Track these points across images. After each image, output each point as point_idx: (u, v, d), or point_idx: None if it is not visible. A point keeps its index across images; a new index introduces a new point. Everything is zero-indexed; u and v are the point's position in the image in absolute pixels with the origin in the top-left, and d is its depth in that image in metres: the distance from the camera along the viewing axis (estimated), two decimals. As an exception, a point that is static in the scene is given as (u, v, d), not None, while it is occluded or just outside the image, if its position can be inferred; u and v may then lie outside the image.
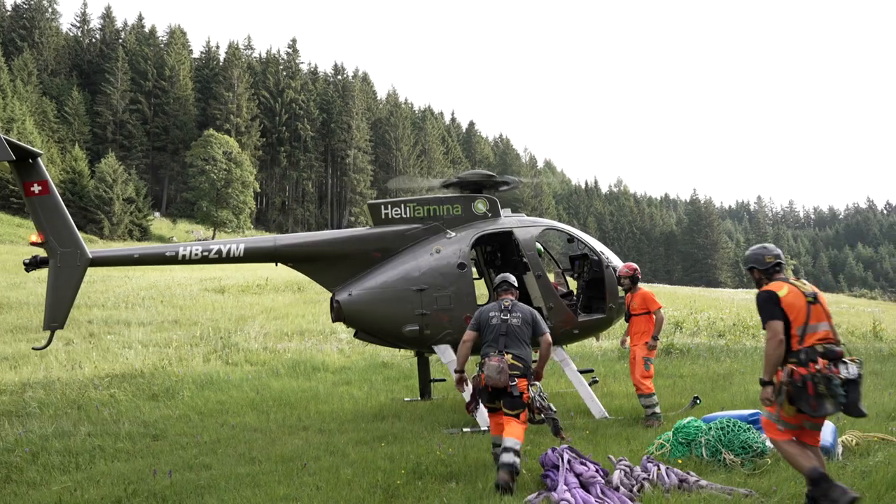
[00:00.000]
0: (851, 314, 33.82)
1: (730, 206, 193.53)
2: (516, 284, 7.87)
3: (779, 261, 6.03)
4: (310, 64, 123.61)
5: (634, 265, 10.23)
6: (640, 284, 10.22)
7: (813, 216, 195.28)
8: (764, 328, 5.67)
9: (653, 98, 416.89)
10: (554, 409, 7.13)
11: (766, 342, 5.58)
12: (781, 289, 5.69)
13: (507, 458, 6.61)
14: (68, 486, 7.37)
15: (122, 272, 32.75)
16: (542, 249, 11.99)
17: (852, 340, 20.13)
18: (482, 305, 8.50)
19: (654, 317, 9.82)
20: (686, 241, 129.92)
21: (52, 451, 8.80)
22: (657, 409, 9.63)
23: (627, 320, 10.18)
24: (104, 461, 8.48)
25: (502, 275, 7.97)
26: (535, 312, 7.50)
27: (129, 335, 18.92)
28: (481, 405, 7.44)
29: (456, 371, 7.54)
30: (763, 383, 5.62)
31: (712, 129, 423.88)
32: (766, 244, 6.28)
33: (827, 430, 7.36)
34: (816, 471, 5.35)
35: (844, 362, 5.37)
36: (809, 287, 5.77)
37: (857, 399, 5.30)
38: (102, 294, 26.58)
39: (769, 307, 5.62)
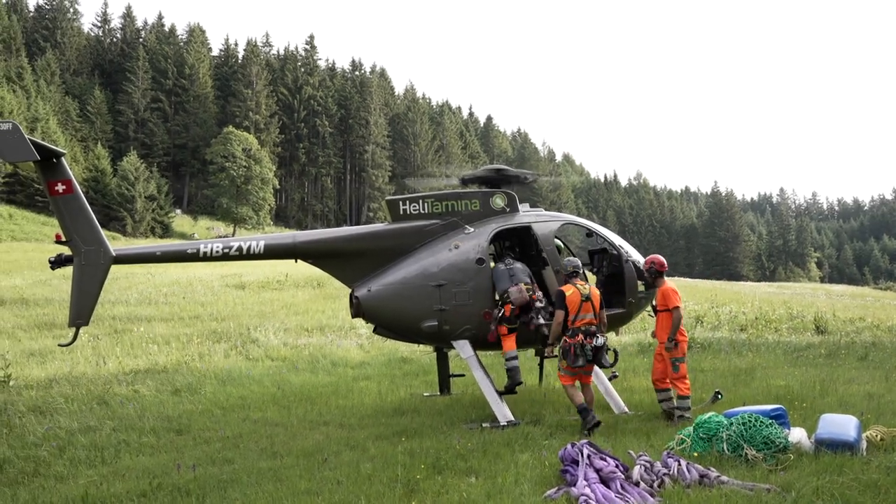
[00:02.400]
0: (877, 307, 33.27)
1: (752, 199, 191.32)
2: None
3: (575, 269, 9.33)
4: (327, 60, 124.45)
5: (654, 258, 9.96)
6: (666, 279, 9.89)
7: (837, 208, 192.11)
8: (555, 313, 9.12)
9: (673, 90, 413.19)
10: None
11: (553, 322, 9.14)
12: (569, 290, 9.06)
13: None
14: (94, 480, 7.51)
15: (145, 269, 33.15)
16: (562, 244, 11.95)
17: (878, 335, 19.81)
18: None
19: (672, 315, 9.46)
20: (707, 235, 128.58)
21: (79, 445, 8.98)
22: (687, 414, 9.31)
23: (655, 314, 9.97)
24: (129, 455, 8.62)
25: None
26: None
27: (152, 331, 19.18)
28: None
29: None
30: (549, 345, 9.41)
31: (733, 120, 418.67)
32: (570, 258, 9.68)
33: (851, 426, 7.32)
34: (582, 405, 8.95)
35: (597, 336, 8.90)
36: (587, 289, 9.08)
37: (601, 357, 8.98)
38: (126, 291, 26.95)
39: (559, 301, 9.06)
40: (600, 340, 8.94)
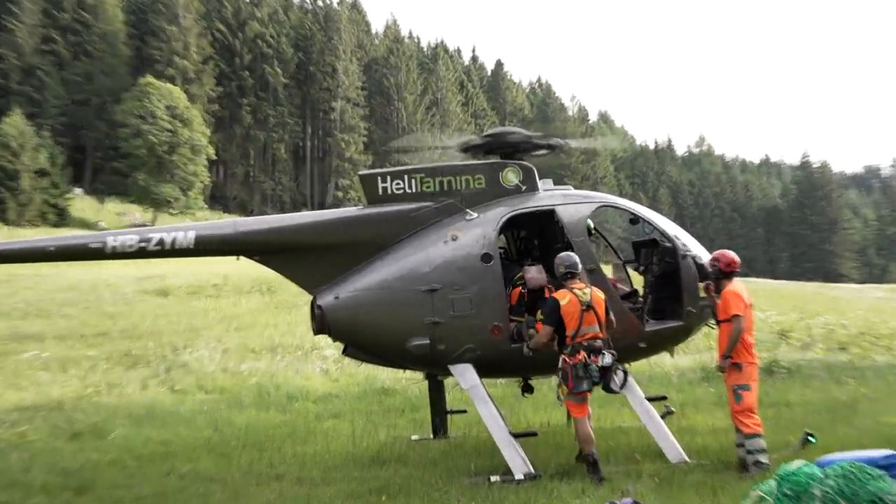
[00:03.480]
0: None
1: (855, 173, 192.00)
2: None
3: (570, 270, 9.49)
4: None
5: (721, 254, 10.01)
6: (736, 279, 9.92)
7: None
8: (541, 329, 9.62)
9: (747, 32, 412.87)
10: None
11: (538, 336, 9.58)
12: (564, 298, 9.34)
13: None
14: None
15: (34, 269, 33.09)
16: (596, 233, 11.96)
17: None
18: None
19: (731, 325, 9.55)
20: (794, 220, 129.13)
21: (-58, 510, 8.96)
22: (762, 458, 9.35)
23: (718, 326, 10.05)
24: (12, 523, 8.61)
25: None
26: None
27: (43, 353, 19.14)
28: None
29: None
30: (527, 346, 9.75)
31: (830, 72, 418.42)
32: (565, 254, 9.69)
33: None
34: (592, 454, 9.34)
35: (603, 353, 9.18)
36: (587, 295, 9.34)
37: (609, 380, 9.28)
38: (7, 299, 26.92)
39: (550, 314, 9.40)
40: (608, 359, 9.20)
